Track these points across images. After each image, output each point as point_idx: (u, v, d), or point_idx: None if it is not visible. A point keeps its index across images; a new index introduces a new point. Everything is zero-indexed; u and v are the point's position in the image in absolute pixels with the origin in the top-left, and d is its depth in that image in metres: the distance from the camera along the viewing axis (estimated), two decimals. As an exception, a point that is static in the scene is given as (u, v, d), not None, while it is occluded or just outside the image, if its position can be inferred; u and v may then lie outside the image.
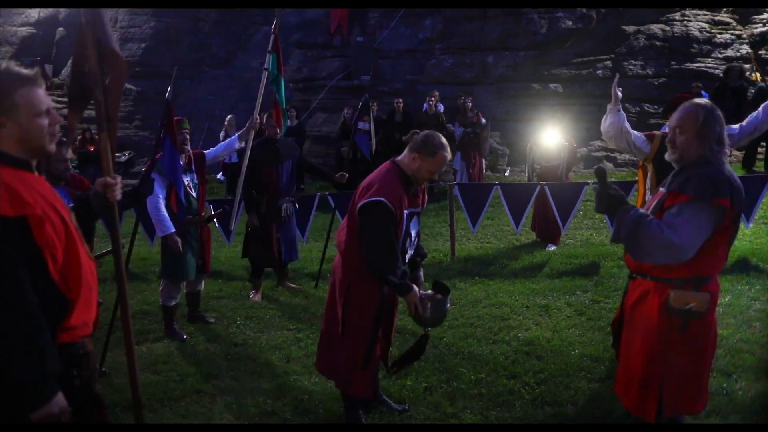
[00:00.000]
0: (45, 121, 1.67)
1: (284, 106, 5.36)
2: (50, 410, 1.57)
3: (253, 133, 4.99)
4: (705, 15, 11.69)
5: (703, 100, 2.31)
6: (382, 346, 3.02)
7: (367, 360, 2.83)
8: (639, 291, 2.36)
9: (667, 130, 2.60)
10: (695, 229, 2.13)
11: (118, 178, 1.99)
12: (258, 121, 4.99)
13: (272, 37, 5.13)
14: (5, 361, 1.51)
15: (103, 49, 2.03)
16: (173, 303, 4.45)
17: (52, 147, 1.72)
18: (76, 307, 1.69)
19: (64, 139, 2.89)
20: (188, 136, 4.45)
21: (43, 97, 1.68)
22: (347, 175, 5.47)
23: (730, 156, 3.10)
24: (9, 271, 1.53)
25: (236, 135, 5.04)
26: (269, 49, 5.14)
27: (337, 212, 6.19)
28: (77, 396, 1.71)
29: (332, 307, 2.96)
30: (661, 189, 2.39)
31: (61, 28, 15.89)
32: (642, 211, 2.24)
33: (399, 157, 2.85)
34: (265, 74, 5.11)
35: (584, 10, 11.27)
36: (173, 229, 4.21)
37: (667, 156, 2.34)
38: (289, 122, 10.06)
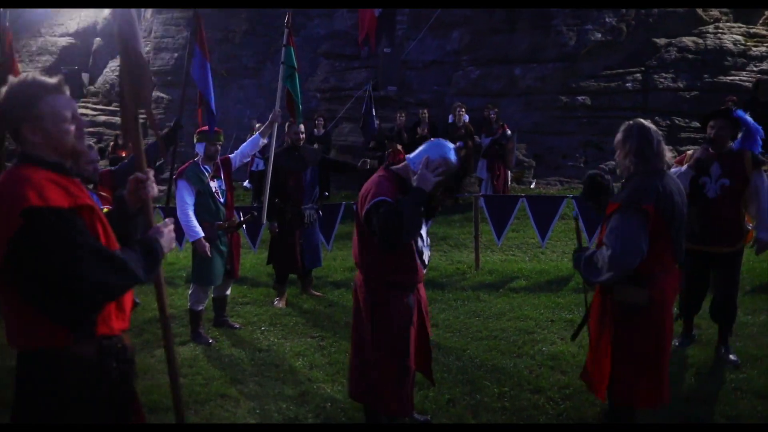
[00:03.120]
0: (71, 127, 1.73)
1: (298, 99, 5.35)
2: (167, 246, 1.88)
3: (275, 126, 5.02)
4: (740, 27, 11.45)
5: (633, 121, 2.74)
6: (423, 358, 2.94)
7: (403, 375, 2.74)
8: None
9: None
10: (626, 236, 2.49)
11: (151, 173, 1.97)
12: (279, 114, 5.03)
13: (286, 31, 5.25)
14: (129, 279, 1.71)
15: (130, 52, 2.03)
16: (201, 307, 4.52)
17: (83, 145, 1.79)
18: (116, 301, 1.76)
19: (92, 142, 3.00)
20: (219, 148, 4.54)
21: (67, 103, 1.73)
22: (369, 161, 5.46)
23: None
24: (82, 243, 1.62)
25: (259, 131, 5.05)
26: (284, 43, 5.26)
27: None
28: (115, 388, 1.75)
29: (360, 328, 2.81)
30: None
31: (98, 38, 16.43)
32: (588, 251, 2.72)
33: (396, 166, 2.79)
34: (282, 68, 5.21)
35: (614, 22, 11.16)
36: (202, 235, 4.29)
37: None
38: (316, 131, 10.24)
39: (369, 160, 5.46)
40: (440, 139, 2.81)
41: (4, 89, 1.69)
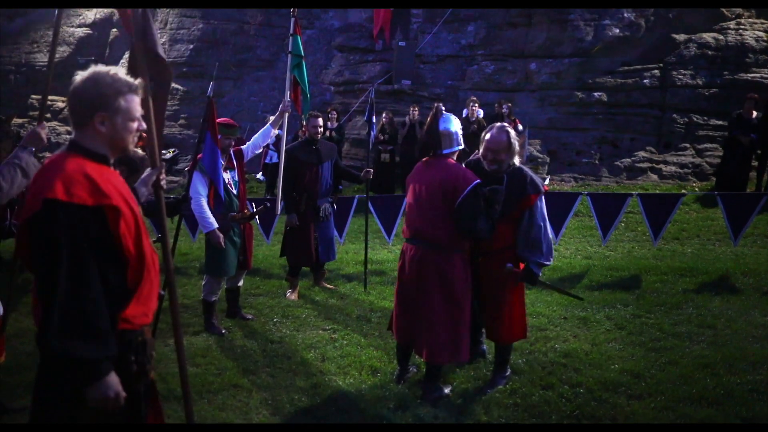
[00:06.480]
0: (135, 126, 1.83)
1: (306, 89, 5.37)
2: (105, 392, 1.64)
3: (286, 117, 5.04)
4: (762, 24, 11.24)
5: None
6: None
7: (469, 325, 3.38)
8: None
9: None
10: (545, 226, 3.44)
11: (163, 167, 2.21)
12: (289, 104, 5.05)
13: (292, 20, 5.26)
14: (68, 337, 1.60)
15: (150, 55, 2.16)
16: (214, 298, 4.55)
17: (132, 147, 1.89)
18: (139, 297, 1.77)
19: None
20: (233, 141, 4.54)
21: (138, 104, 1.83)
22: (372, 171, 5.70)
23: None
24: (78, 257, 1.63)
25: (270, 122, 5.03)
26: (291, 32, 5.27)
27: (375, 215, 6.25)
28: (133, 381, 1.78)
29: (424, 294, 3.29)
30: None
31: (114, 29, 16.52)
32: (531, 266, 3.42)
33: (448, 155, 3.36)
34: (289, 57, 5.23)
35: (632, 17, 11.00)
36: (216, 226, 4.31)
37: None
38: (329, 124, 10.24)
39: (371, 171, 5.73)
40: (437, 126, 3.32)
41: (85, 75, 1.75)
